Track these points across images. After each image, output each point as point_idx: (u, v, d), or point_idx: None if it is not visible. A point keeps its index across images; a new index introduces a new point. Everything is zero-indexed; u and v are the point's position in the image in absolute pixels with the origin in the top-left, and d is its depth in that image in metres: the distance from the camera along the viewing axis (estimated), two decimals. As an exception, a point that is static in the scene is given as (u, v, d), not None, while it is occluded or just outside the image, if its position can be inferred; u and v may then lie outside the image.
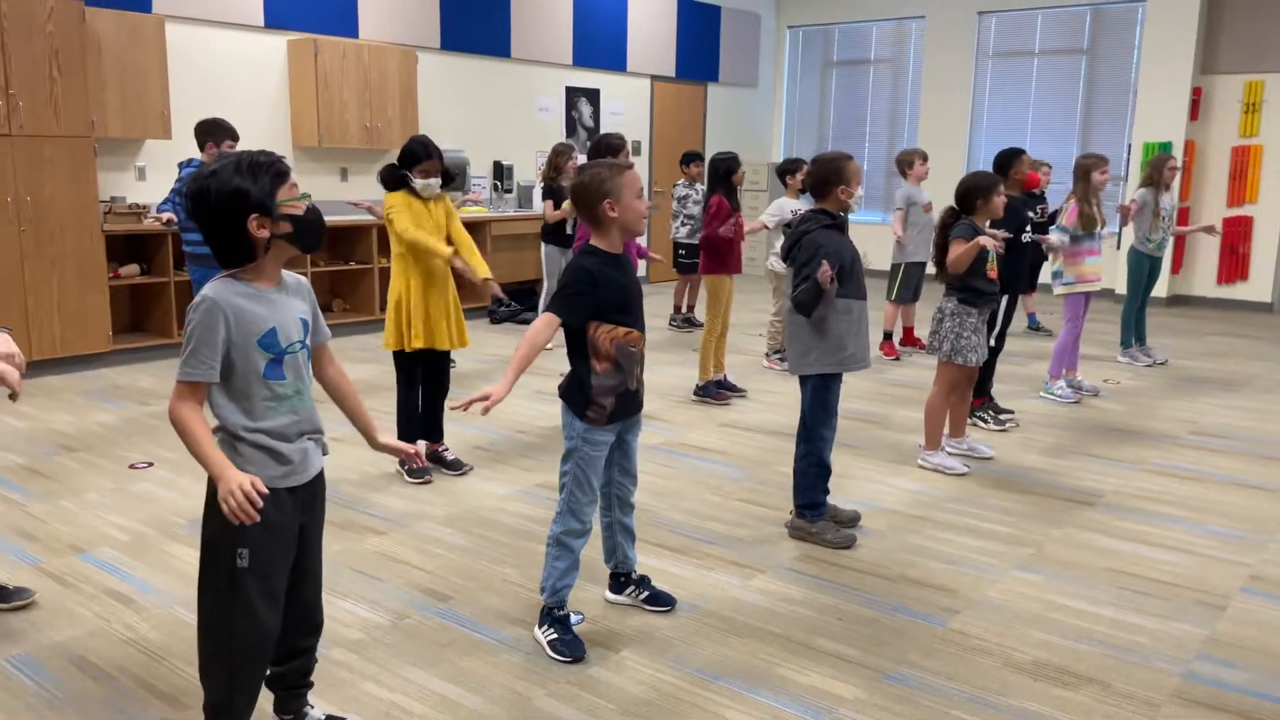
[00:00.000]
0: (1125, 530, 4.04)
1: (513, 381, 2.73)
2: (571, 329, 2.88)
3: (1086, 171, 5.90)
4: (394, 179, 4.34)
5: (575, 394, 2.93)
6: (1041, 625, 3.20)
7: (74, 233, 6.44)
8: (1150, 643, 3.09)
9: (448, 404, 4.47)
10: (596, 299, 2.85)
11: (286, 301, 2.25)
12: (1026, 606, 3.34)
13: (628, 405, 2.98)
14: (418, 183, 4.32)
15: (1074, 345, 6.19)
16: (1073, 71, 11.10)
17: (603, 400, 2.90)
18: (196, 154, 5.93)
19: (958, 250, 4.46)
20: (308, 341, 2.30)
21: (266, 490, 2.09)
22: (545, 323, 2.83)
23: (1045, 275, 6.90)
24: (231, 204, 2.10)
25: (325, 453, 2.38)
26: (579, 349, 2.91)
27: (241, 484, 2.04)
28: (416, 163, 4.31)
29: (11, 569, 3.45)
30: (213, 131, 5.69)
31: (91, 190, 6.51)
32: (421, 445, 4.65)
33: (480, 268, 4.46)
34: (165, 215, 5.83)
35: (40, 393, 6.02)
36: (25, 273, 6.24)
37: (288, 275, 2.30)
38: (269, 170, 2.13)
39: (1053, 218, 6.72)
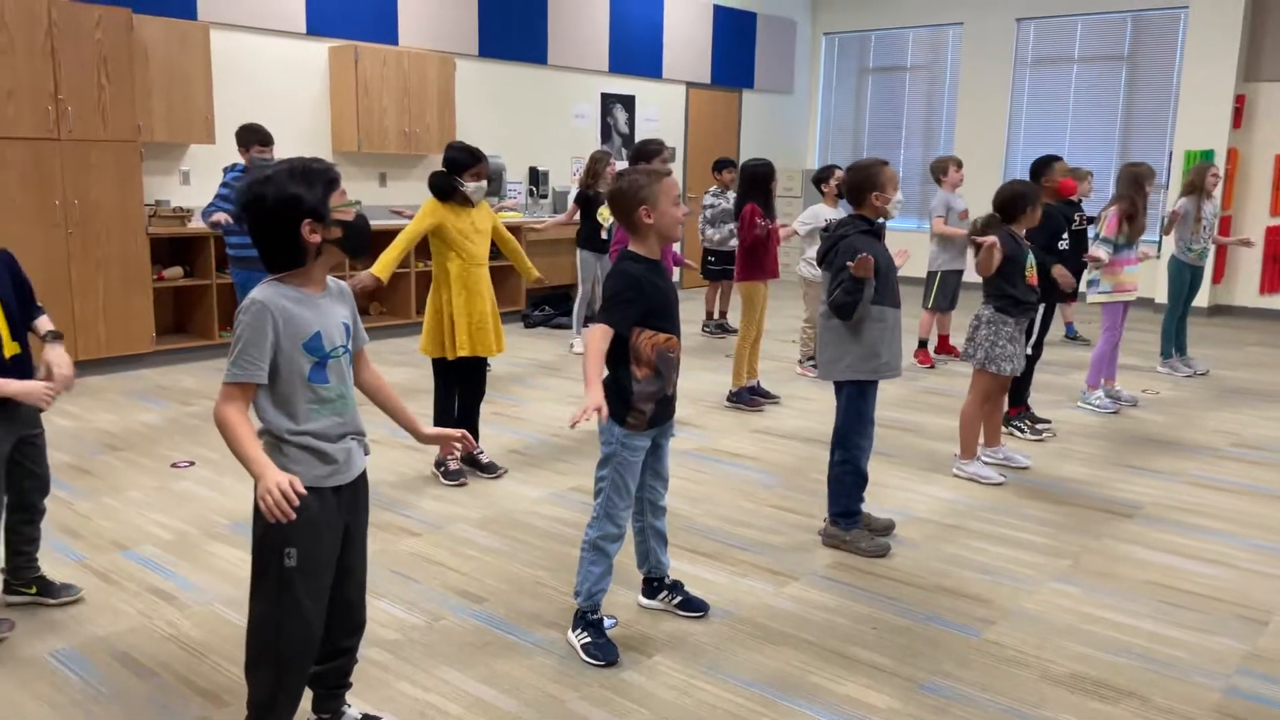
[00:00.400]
0: (1165, 542, 3.99)
1: (599, 386, 2.75)
2: (617, 335, 2.90)
3: (1140, 180, 5.80)
4: (447, 186, 4.40)
5: (615, 400, 2.95)
6: (1079, 637, 3.17)
7: (119, 235, 6.57)
8: (1190, 657, 3.06)
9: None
10: (642, 305, 2.87)
11: (331, 306, 2.29)
12: (1063, 618, 3.31)
13: (665, 410, 3.00)
14: (469, 186, 4.39)
15: (1112, 355, 6.12)
16: (1113, 78, 10.98)
17: (643, 406, 2.93)
18: (239, 159, 6.05)
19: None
20: (349, 346, 2.34)
21: (305, 490, 2.12)
22: (602, 335, 2.84)
23: (1083, 284, 6.83)
24: (286, 210, 2.14)
25: (366, 453, 2.42)
26: (620, 355, 2.93)
27: (279, 483, 2.07)
28: (466, 168, 4.38)
29: (58, 565, 3.52)
30: (246, 136, 5.92)
31: (137, 194, 6.64)
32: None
33: (530, 270, 5.04)
34: (219, 216, 5.96)
35: (85, 392, 6.14)
36: (72, 274, 6.37)
37: (330, 280, 2.34)
38: (323, 177, 2.18)
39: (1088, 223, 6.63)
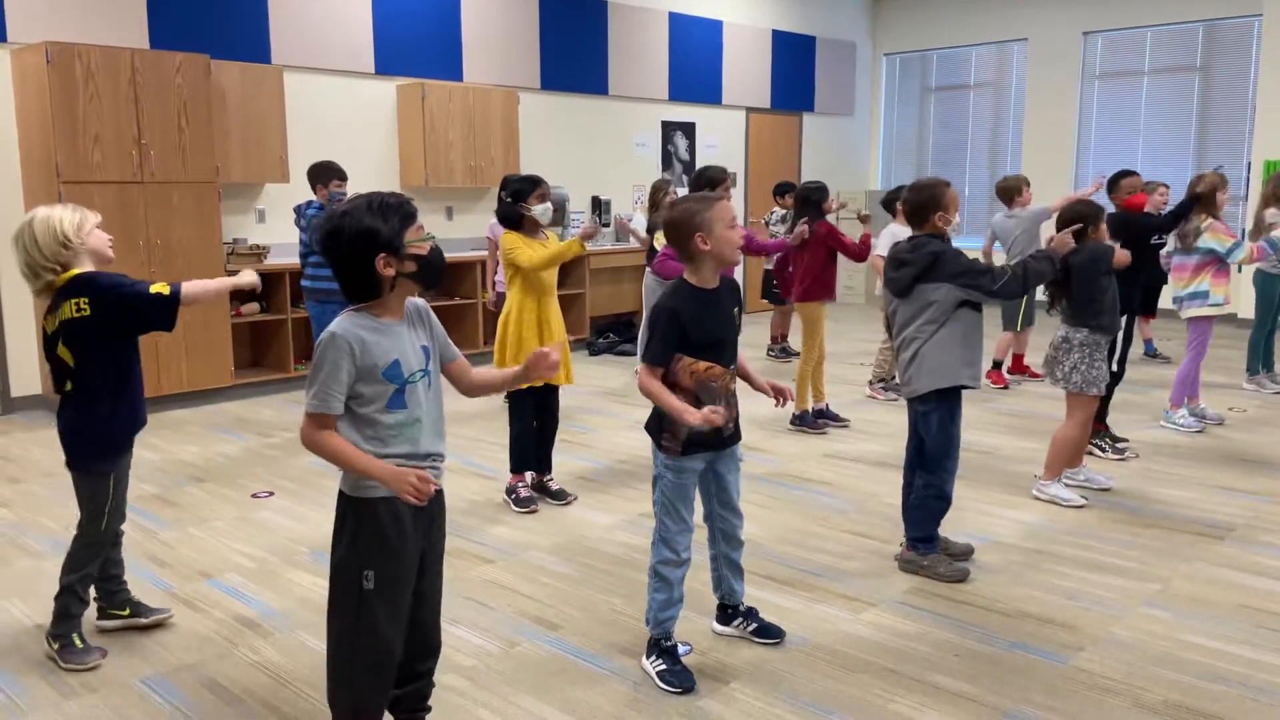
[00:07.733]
0: (1259, 565, 3.84)
1: (684, 407, 2.79)
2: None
3: (1214, 189, 5.65)
4: (514, 214, 4.49)
5: (653, 422, 2.97)
6: (1172, 664, 3.06)
7: (199, 273, 6.74)
8: (1293, 685, 2.92)
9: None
10: (678, 337, 2.85)
11: (409, 332, 2.33)
12: (1156, 644, 3.19)
13: (709, 438, 2.95)
14: (536, 209, 4.48)
15: (1196, 372, 5.93)
16: (1185, 89, 10.73)
17: (677, 430, 2.90)
18: (313, 195, 6.19)
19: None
20: (430, 369, 2.36)
21: (432, 480, 2.24)
22: (648, 374, 2.87)
23: (1164, 300, 6.64)
24: (362, 243, 2.19)
25: (439, 476, 2.42)
26: (662, 380, 2.91)
27: (407, 477, 2.19)
28: (527, 195, 4.47)
29: (146, 594, 3.60)
30: (321, 173, 6.00)
31: (216, 233, 6.85)
32: (529, 476, 4.74)
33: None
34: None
35: (169, 425, 6.32)
36: (155, 312, 6.57)
37: (408, 303, 2.37)
38: (399, 211, 2.22)
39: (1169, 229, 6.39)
